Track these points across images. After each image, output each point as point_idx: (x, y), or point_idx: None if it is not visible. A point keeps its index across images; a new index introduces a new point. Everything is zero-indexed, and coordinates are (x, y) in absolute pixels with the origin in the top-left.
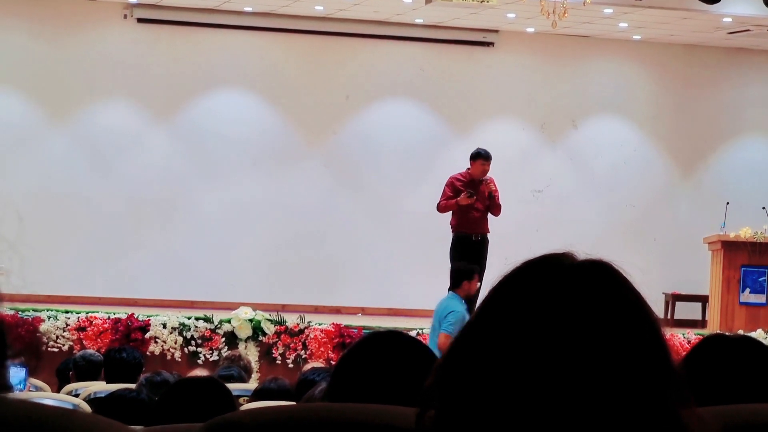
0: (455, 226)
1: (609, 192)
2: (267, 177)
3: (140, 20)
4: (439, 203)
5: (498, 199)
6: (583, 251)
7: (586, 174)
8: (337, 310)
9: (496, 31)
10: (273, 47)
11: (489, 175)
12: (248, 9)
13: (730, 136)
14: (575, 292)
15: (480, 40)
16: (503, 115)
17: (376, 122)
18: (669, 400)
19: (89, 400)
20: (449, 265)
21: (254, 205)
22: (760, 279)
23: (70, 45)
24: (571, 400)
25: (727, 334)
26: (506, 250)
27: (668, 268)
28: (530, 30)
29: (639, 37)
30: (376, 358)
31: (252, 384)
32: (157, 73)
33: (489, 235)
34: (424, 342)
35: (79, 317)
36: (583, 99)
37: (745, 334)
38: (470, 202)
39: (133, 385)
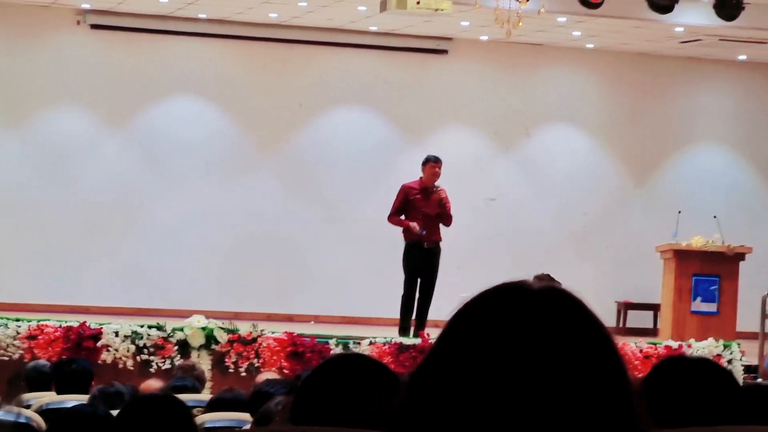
0: (406, 236)
1: (562, 200)
2: (220, 184)
3: (93, 26)
4: (390, 214)
5: (449, 209)
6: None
7: (538, 182)
8: (289, 318)
9: (450, 39)
10: (227, 54)
11: (441, 184)
12: (202, 16)
13: (682, 145)
14: (534, 319)
15: (434, 48)
16: (456, 123)
17: (329, 130)
18: (629, 422)
19: (41, 412)
20: (402, 273)
21: (207, 212)
22: (711, 288)
23: (23, 51)
24: (533, 425)
25: (686, 356)
26: (459, 258)
27: (620, 277)
28: (484, 38)
29: (592, 46)
30: (340, 380)
31: (206, 395)
32: (110, 79)
33: (441, 243)
34: (387, 366)
35: (30, 325)
36: (536, 107)
37: (703, 357)
38: (422, 236)
39: (85, 396)
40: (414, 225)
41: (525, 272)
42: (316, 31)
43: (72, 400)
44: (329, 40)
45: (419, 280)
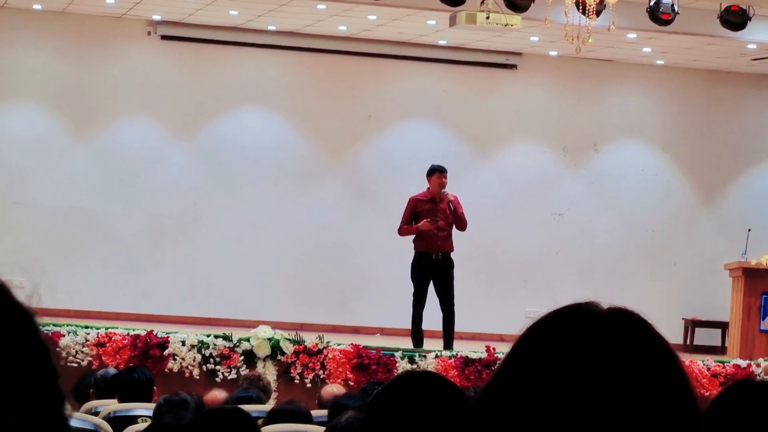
0: (416, 245)
1: (629, 216)
2: (287, 195)
3: (164, 37)
4: (399, 227)
5: (462, 214)
6: (606, 300)
7: (606, 198)
8: (355, 330)
9: (520, 54)
10: (296, 66)
11: (453, 194)
12: (272, 28)
13: (752, 162)
14: (603, 341)
15: (503, 63)
16: (525, 138)
17: (397, 142)
18: None
19: (109, 419)
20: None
21: (274, 223)
22: None
23: (94, 62)
24: None
25: (754, 380)
26: (526, 273)
27: (688, 294)
28: (553, 53)
29: (662, 62)
30: (410, 398)
31: (270, 405)
32: (179, 90)
33: (453, 254)
34: (456, 384)
35: (98, 333)
36: (605, 123)
37: None
38: (431, 227)
39: (149, 404)
40: (423, 223)
41: (591, 288)
42: (385, 45)
43: (138, 408)
44: (398, 53)
45: (437, 293)
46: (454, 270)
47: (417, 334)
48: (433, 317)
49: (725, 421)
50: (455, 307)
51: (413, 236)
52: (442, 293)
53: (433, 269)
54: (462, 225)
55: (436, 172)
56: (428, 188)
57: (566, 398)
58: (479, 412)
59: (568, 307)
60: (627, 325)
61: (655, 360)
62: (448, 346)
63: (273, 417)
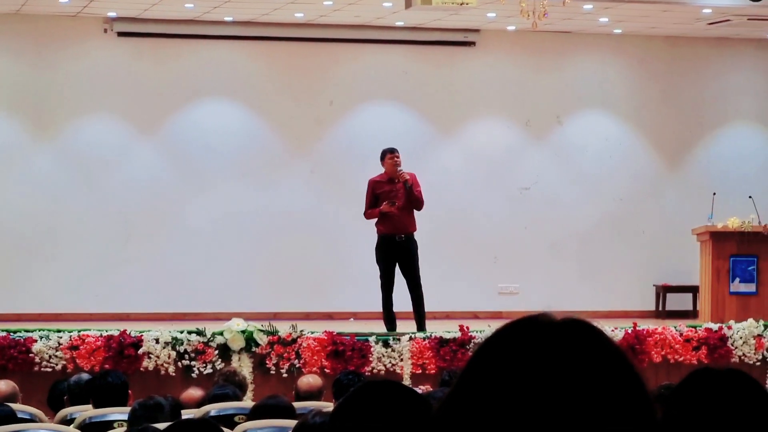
0: (378, 229)
1: (596, 186)
2: (254, 185)
3: (121, 34)
4: (364, 212)
5: (419, 192)
6: (557, 304)
7: (572, 169)
8: (329, 316)
9: (477, 31)
10: (255, 56)
11: (410, 171)
12: (229, 19)
13: (714, 126)
14: (557, 352)
15: (461, 40)
16: (488, 114)
17: (361, 126)
18: None
19: (84, 426)
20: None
21: (242, 214)
22: (749, 268)
23: (51, 62)
24: None
25: (713, 367)
26: (497, 249)
27: (658, 260)
28: (511, 28)
29: (620, 31)
30: (371, 408)
31: (247, 401)
32: (140, 86)
33: (416, 234)
34: (418, 393)
35: (71, 336)
36: (567, 94)
37: (731, 367)
38: (392, 209)
39: (124, 408)
40: (383, 206)
41: (562, 260)
42: (342, 29)
43: (112, 413)
44: (356, 37)
45: (403, 275)
46: (419, 250)
47: (389, 318)
48: (404, 299)
49: (687, 410)
50: (423, 288)
51: (376, 220)
52: (408, 275)
53: (397, 251)
54: (419, 204)
55: (388, 154)
56: (385, 171)
57: (522, 408)
58: (440, 423)
59: (522, 319)
60: (579, 335)
61: (607, 367)
62: (420, 327)
63: (256, 413)
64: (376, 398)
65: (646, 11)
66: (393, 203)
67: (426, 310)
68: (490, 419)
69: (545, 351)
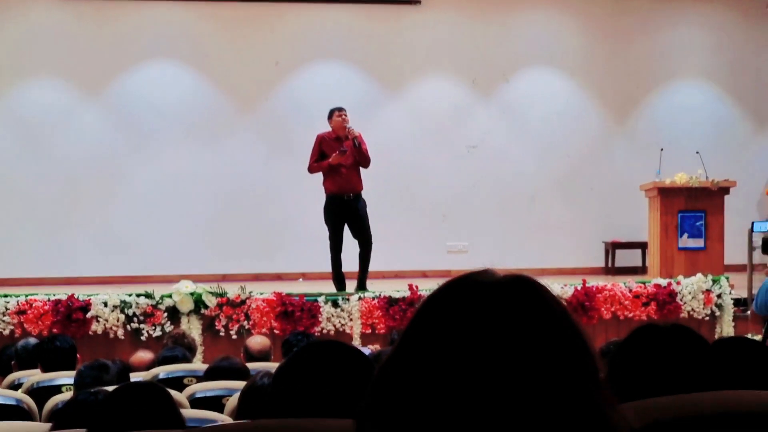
0: (326, 187)
1: (544, 144)
2: (201, 147)
3: None
4: (309, 165)
5: (366, 151)
6: (506, 262)
7: (520, 127)
8: (278, 277)
9: None
10: (200, 16)
11: (356, 129)
12: None
13: (661, 82)
14: (498, 309)
15: None
16: (434, 73)
17: (307, 87)
18: (595, 401)
19: (32, 390)
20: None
21: (189, 176)
22: (698, 223)
23: None
24: (501, 411)
25: (657, 323)
26: (445, 208)
27: (607, 217)
28: None
29: None
30: (315, 368)
31: (197, 363)
32: (83, 48)
33: (363, 193)
34: (362, 352)
35: (18, 301)
36: (514, 52)
37: (676, 322)
38: (342, 159)
39: (73, 372)
40: (333, 157)
41: (510, 218)
42: None
43: (60, 377)
44: None
45: (353, 234)
46: (368, 209)
47: (338, 277)
48: (354, 259)
49: (631, 365)
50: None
51: (323, 179)
52: (359, 234)
53: (346, 210)
54: (366, 161)
55: (335, 112)
56: (332, 129)
57: (463, 367)
58: (382, 382)
59: (463, 277)
60: (521, 293)
61: (550, 325)
62: (362, 285)
63: (210, 374)
64: (319, 358)
65: None
66: (343, 152)
67: (375, 269)
68: (431, 378)
69: (486, 309)
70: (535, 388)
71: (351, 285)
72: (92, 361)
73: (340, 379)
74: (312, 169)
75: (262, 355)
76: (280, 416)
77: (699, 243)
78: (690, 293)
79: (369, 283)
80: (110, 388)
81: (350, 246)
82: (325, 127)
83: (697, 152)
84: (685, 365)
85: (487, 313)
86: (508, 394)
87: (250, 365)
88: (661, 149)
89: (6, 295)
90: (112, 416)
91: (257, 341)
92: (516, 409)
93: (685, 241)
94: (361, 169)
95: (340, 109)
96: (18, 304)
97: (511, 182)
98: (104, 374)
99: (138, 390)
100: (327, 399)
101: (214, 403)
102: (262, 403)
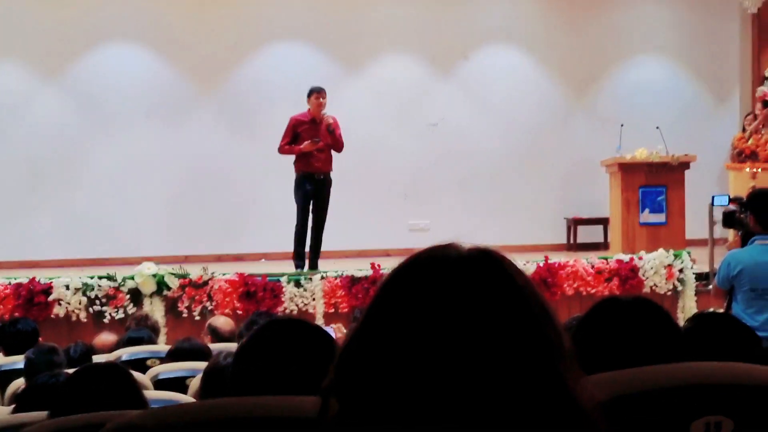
0: (297, 167)
1: (504, 120)
2: (161, 128)
3: None
4: (280, 146)
5: (339, 135)
6: (468, 240)
7: (480, 104)
8: (240, 258)
9: None
10: None
11: (331, 114)
12: None
13: (620, 57)
14: (462, 283)
15: None
16: (393, 51)
17: (266, 66)
18: (559, 374)
19: None
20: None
21: (150, 157)
22: (659, 198)
23: None
24: (466, 385)
25: (619, 297)
26: (405, 187)
27: (568, 193)
28: None
29: None
30: (277, 346)
31: (161, 345)
32: (40, 30)
33: (332, 174)
34: (324, 330)
35: None
36: (472, 29)
37: (638, 295)
38: (313, 148)
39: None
40: (305, 144)
41: (472, 195)
42: None
43: (22, 361)
44: None
45: (312, 212)
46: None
47: (300, 254)
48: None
49: (594, 339)
50: (334, 226)
51: (294, 158)
52: (318, 212)
53: (315, 189)
54: (339, 147)
55: (315, 93)
56: (308, 109)
57: (428, 341)
58: (344, 359)
59: (428, 250)
60: (486, 267)
61: (514, 298)
62: (314, 265)
63: (172, 356)
64: (281, 336)
65: None
66: (316, 141)
67: (337, 248)
68: (396, 353)
69: (451, 283)
70: (500, 362)
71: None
72: (39, 345)
73: (302, 356)
74: (282, 151)
75: (232, 336)
76: (243, 395)
77: (660, 218)
78: (652, 268)
79: (332, 262)
80: (71, 371)
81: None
82: (287, 107)
83: (657, 127)
84: (648, 338)
85: (452, 287)
86: (473, 367)
87: (215, 346)
88: (621, 125)
89: None
90: (74, 398)
91: (226, 321)
92: (481, 383)
93: (647, 217)
94: (333, 151)
95: (320, 91)
96: None
97: (472, 160)
98: (54, 356)
99: (99, 371)
100: (290, 376)
101: (178, 384)
102: (226, 383)
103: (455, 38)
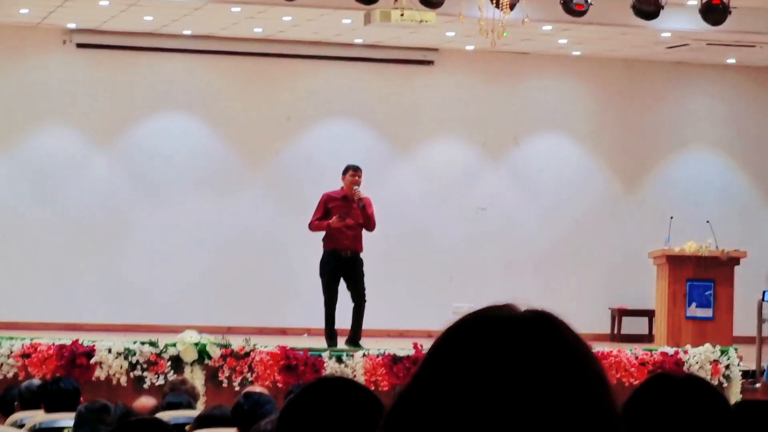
0: (325, 243)
1: (552, 208)
2: (210, 199)
3: (80, 45)
4: (311, 222)
5: (372, 214)
6: (527, 294)
7: (529, 191)
8: (282, 332)
9: (436, 50)
10: (213, 70)
11: (364, 193)
12: (187, 32)
13: (672, 150)
14: (518, 346)
15: (420, 59)
16: (445, 134)
17: (317, 143)
18: None
19: (34, 431)
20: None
21: (198, 228)
22: (706, 293)
23: (9, 72)
24: None
25: (672, 374)
26: (451, 269)
27: (614, 283)
28: (470, 48)
29: (579, 53)
30: (323, 405)
31: (200, 411)
32: (97, 97)
33: (364, 253)
34: (371, 391)
35: (23, 344)
36: (525, 116)
37: (691, 373)
38: (341, 224)
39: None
40: (333, 220)
41: (517, 281)
42: (301, 45)
43: (63, 419)
44: (315, 53)
45: (348, 289)
46: (375, 266)
47: (330, 333)
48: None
49: (643, 414)
50: (379, 304)
51: (323, 234)
52: (354, 289)
53: (342, 267)
54: (370, 225)
55: (350, 170)
56: (342, 186)
57: (480, 406)
58: (394, 418)
59: (484, 310)
60: (543, 329)
61: (571, 364)
62: (354, 340)
63: (201, 422)
64: (327, 394)
65: (605, 34)
66: (343, 218)
67: (380, 327)
68: (446, 414)
69: (505, 344)
70: (556, 426)
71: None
72: (92, 401)
73: (349, 415)
74: (312, 227)
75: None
76: None
77: (707, 313)
78: (697, 363)
79: (374, 341)
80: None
81: (344, 304)
82: (335, 184)
83: (708, 221)
84: (701, 417)
85: (507, 348)
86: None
87: None
88: (671, 217)
89: (11, 338)
90: None
91: (262, 392)
92: None
93: (693, 311)
94: (364, 231)
95: (356, 169)
96: (23, 347)
97: (518, 245)
98: (105, 415)
99: (140, 426)
100: None
101: None
102: None
103: (507, 123)
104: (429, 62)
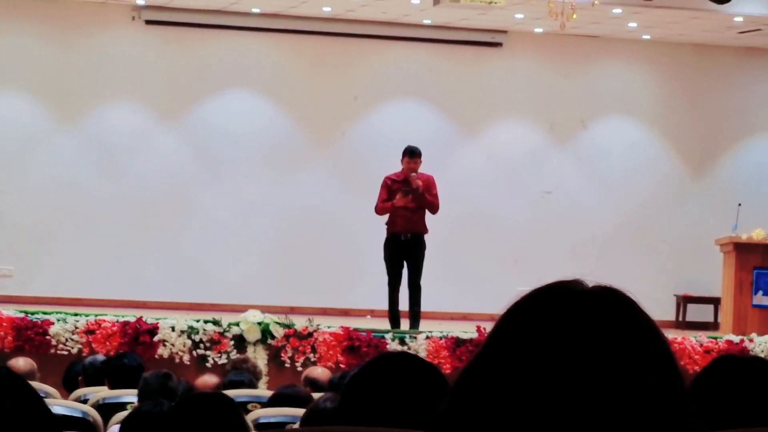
0: (388, 226)
1: (618, 192)
2: (276, 178)
3: (148, 22)
4: (376, 205)
5: (432, 196)
6: (591, 278)
7: (595, 175)
8: (345, 312)
9: (505, 32)
10: (281, 48)
11: (427, 172)
12: (256, 10)
13: (741, 136)
14: (587, 320)
15: (488, 41)
16: (512, 116)
17: (384, 123)
18: (681, 425)
19: (98, 406)
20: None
21: (263, 207)
22: None
23: (78, 47)
24: (584, 428)
25: (738, 355)
26: (516, 252)
27: (679, 270)
28: (538, 30)
29: (648, 37)
30: (387, 379)
31: (262, 389)
32: (165, 74)
33: (426, 236)
34: (435, 366)
35: (87, 320)
36: (593, 99)
37: (757, 356)
38: (405, 201)
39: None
40: (397, 199)
41: (582, 265)
42: (370, 25)
43: (126, 395)
44: (383, 33)
45: (407, 271)
46: (438, 248)
47: (393, 316)
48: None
49: (709, 395)
50: (440, 286)
51: (387, 217)
52: (412, 271)
53: (402, 250)
54: (431, 207)
55: (406, 156)
56: (402, 168)
57: (548, 378)
58: (459, 392)
59: (552, 285)
60: (611, 304)
61: (639, 338)
62: (414, 325)
63: (274, 401)
64: (392, 368)
65: (675, 17)
66: (406, 193)
67: (443, 310)
68: (514, 387)
69: (575, 317)
70: (623, 400)
71: (405, 324)
72: (156, 370)
73: (413, 390)
74: (379, 210)
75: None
76: (351, 424)
77: None
78: (762, 351)
79: (437, 323)
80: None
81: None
82: (400, 166)
83: None
84: (766, 398)
85: (576, 320)
86: (594, 406)
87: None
88: (739, 204)
89: (76, 314)
90: (178, 426)
91: (323, 372)
92: (604, 425)
93: (760, 299)
94: (428, 213)
95: (412, 155)
96: (87, 324)
97: (584, 229)
98: (168, 381)
99: (204, 400)
100: (399, 409)
101: (278, 429)
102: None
103: (574, 106)
104: (497, 44)
